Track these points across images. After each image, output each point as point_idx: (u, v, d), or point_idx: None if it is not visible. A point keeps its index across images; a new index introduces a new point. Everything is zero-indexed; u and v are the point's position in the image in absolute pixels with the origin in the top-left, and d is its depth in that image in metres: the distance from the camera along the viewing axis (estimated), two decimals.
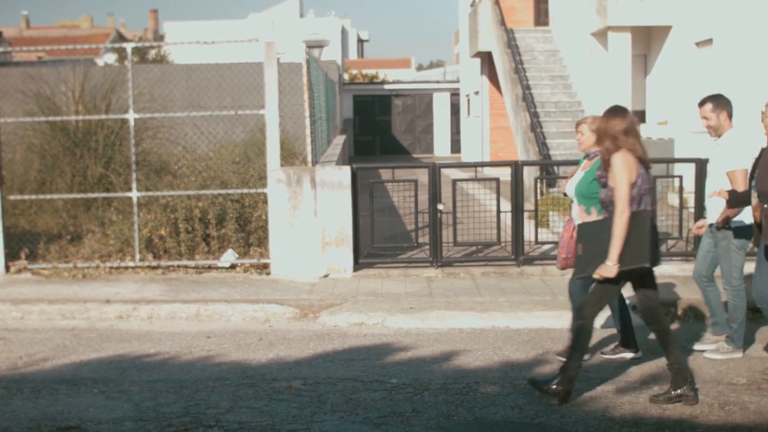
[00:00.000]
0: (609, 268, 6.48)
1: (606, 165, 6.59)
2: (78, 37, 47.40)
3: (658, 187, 11.75)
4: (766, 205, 7.09)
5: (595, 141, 7.47)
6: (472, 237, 11.96)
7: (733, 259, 7.95)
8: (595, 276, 6.60)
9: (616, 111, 6.70)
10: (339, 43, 44.56)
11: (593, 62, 19.93)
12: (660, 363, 7.76)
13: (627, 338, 8.05)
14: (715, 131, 7.98)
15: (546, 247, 12.17)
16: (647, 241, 6.52)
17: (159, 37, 52.38)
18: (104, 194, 12.54)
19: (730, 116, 8.00)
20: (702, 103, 8.05)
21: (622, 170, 6.47)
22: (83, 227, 12.58)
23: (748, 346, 8.25)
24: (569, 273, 11.23)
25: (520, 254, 11.60)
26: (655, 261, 6.66)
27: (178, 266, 11.71)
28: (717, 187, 7.79)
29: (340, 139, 22.83)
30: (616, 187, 6.50)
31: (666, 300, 9.91)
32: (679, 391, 6.70)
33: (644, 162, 6.61)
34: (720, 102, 8.00)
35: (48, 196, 12.45)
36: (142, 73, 18.86)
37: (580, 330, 6.73)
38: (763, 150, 7.40)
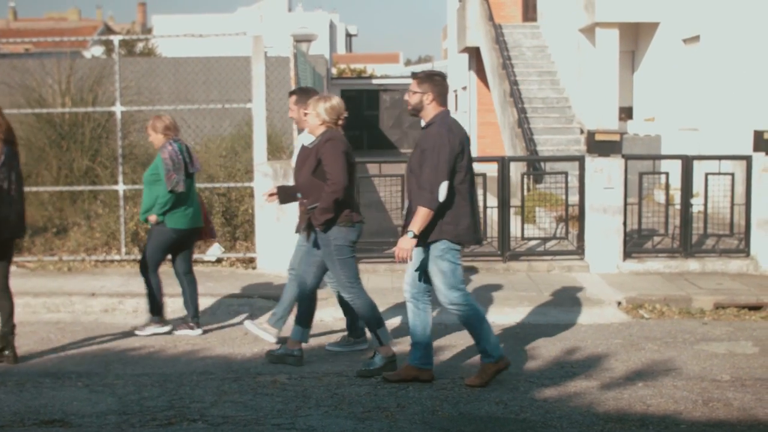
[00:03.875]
0: None
1: None
2: (65, 29, 47.08)
3: (644, 183, 11.78)
4: (303, 199, 7.59)
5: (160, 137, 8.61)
6: None
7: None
8: None
9: None
10: (327, 38, 44.55)
11: (581, 58, 19.96)
12: (644, 358, 7.80)
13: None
14: (298, 124, 8.23)
15: (532, 243, 12.17)
16: None
17: (147, 30, 52.18)
18: (90, 187, 12.50)
19: None
20: (290, 95, 8.36)
21: None
22: (69, 220, 12.53)
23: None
24: (556, 270, 11.31)
25: (506, 250, 11.61)
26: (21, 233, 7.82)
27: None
28: None
29: None
30: None
31: (652, 296, 9.97)
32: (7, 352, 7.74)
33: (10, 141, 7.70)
34: (303, 96, 8.18)
35: (34, 189, 12.39)
36: (130, 66, 18.78)
37: None
38: (302, 147, 7.83)
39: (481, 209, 11.90)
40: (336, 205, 7.27)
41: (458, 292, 6.97)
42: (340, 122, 7.52)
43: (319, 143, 7.41)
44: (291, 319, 7.98)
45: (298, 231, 8.01)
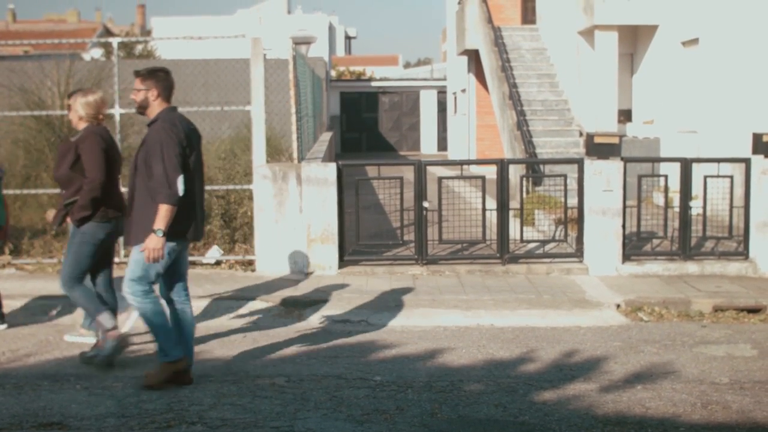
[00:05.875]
0: None
1: None
2: (64, 31, 47.08)
3: (643, 186, 11.79)
4: (63, 190, 7.71)
5: None
6: (458, 235, 11.96)
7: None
8: None
9: None
10: (326, 40, 44.54)
11: (580, 61, 19.96)
12: (643, 361, 7.79)
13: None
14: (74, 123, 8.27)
15: (531, 245, 12.18)
16: None
17: (146, 32, 52.20)
18: None
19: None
20: (69, 96, 8.33)
21: None
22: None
23: None
24: (555, 273, 11.31)
25: (505, 252, 11.61)
26: None
27: None
28: None
29: (326, 136, 22.81)
30: None
31: (651, 298, 9.97)
32: None
33: None
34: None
35: (33, 191, 12.40)
36: (129, 68, 18.72)
37: None
38: (65, 140, 8.00)
39: (479, 211, 11.93)
40: (93, 202, 7.46)
41: (142, 285, 6.91)
42: (101, 117, 7.67)
43: (79, 138, 7.55)
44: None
45: (53, 225, 8.04)
